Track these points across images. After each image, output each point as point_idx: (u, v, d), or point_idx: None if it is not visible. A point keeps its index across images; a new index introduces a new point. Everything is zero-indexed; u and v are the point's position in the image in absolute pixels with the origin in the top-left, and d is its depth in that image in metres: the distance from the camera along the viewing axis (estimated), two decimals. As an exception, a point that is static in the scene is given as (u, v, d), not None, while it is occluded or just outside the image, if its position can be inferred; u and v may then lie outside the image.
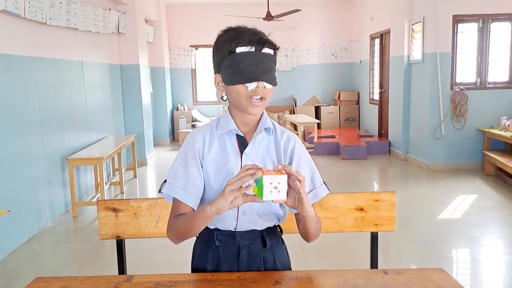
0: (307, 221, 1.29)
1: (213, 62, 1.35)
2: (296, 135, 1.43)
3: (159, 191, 1.34)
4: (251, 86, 1.25)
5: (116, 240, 1.75)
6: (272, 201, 1.11)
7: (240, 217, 1.33)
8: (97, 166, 4.90)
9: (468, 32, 6.04)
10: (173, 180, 1.31)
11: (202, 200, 1.34)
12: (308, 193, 1.35)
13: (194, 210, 1.30)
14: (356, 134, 8.50)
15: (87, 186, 5.29)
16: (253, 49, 1.25)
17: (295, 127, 8.51)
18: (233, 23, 1.43)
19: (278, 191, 1.09)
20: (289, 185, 1.15)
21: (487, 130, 5.89)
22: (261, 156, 1.34)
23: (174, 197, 1.31)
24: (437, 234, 3.82)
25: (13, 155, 3.71)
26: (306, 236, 1.37)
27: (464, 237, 3.74)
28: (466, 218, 4.19)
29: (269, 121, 1.37)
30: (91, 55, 5.59)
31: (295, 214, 1.37)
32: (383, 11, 7.69)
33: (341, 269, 1.42)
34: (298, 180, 1.15)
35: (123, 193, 5.45)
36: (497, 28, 6.02)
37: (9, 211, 2.78)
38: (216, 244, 1.37)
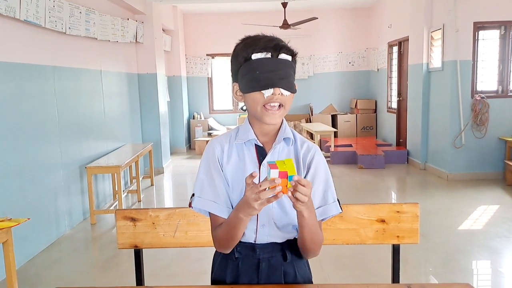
0: (302, 223, 1.21)
1: (231, 71, 1.34)
2: (317, 146, 1.39)
3: (189, 205, 1.33)
4: (267, 93, 1.22)
5: (134, 249, 1.74)
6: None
7: (259, 230, 1.31)
8: (115, 174, 4.93)
9: (490, 39, 5.94)
10: (201, 193, 1.30)
11: None
12: (317, 208, 1.30)
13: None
14: (374, 143, 8.41)
15: (105, 194, 5.32)
16: (269, 55, 1.23)
17: (311, 135, 8.45)
18: (250, 31, 1.42)
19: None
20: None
21: (509, 139, 5.76)
22: None
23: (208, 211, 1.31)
24: (458, 246, 3.72)
25: (33, 163, 3.75)
26: (301, 245, 1.30)
27: (486, 249, 3.64)
28: (488, 229, 4.09)
29: (289, 130, 1.34)
30: (110, 64, 5.65)
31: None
32: (401, 18, 7.62)
33: (362, 283, 1.38)
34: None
35: (140, 201, 5.47)
36: (519, 35, 5.91)
37: (28, 219, 2.80)
38: (236, 256, 1.34)
